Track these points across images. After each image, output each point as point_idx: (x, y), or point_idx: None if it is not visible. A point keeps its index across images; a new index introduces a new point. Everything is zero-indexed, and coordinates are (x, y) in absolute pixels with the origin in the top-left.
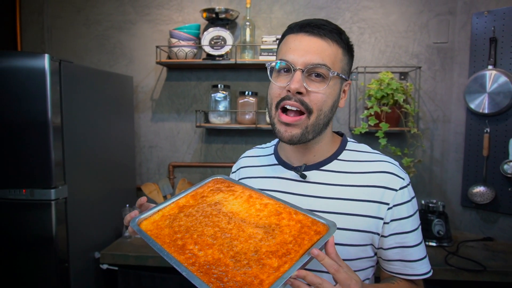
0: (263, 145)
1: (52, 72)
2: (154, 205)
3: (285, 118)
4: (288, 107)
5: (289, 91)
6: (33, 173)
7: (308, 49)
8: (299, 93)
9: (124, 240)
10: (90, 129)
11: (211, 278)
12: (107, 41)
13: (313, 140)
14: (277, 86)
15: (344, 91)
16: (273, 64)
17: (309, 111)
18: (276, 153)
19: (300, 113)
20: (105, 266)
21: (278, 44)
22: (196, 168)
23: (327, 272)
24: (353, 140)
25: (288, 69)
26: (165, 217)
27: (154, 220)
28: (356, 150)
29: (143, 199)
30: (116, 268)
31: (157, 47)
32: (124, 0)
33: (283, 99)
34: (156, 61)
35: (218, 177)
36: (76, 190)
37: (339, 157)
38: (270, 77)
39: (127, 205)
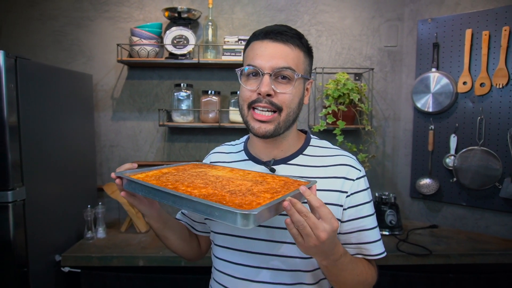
0: (232, 142)
1: (8, 69)
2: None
3: (259, 116)
4: (260, 108)
5: (259, 94)
6: None
7: (274, 55)
8: (269, 95)
9: (86, 242)
10: (49, 129)
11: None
12: (64, 38)
13: (282, 136)
14: (247, 89)
15: (307, 89)
16: (242, 69)
17: (280, 109)
18: (246, 149)
19: (272, 111)
20: (66, 269)
21: (244, 50)
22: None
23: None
24: (316, 137)
25: (256, 73)
26: (149, 176)
27: (138, 177)
28: (318, 146)
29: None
30: (79, 270)
31: (118, 45)
32: None
33: (254, 101)
34: (117, 59)
35: (197, 163)
36: (35, 192)
37: (304, 152)
38: (240, 81)
39: (89, 206)
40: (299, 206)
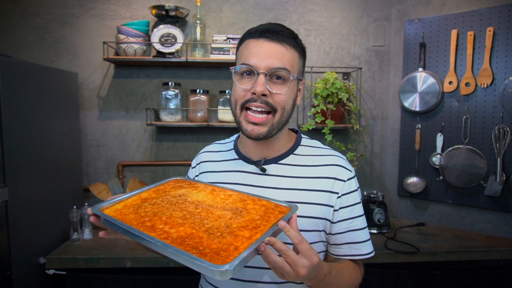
0: (222, 141)
1: None
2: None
3: (253, 118)
4: (253, 108)
5: (254, 93)
6: None
7: (269, 54)
8: (264, 95)
9: (72, 243)
10: (32, 128)
11: (187, 248)
12: (48, 35)
13: (274, 137)
14: (241, 88)
15: (299, 90)
16: (237, 67)
17: (274, 110)
18: (236, 148)
19: (266, 112)
20: (51, 272)
21: (238, 48)
22: (147, 167)
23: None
24: (307, 137)
25: (251, 72)
26: (128, 206)
27: (116, 209)
28: (309, 145)
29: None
30: (64, 272)
31: (104, 43)
32: None
33: (247, 101)
34: (103, 57)
35: (179, 178)
36: (18, 193)
37: (294, 152)
38: (235, 80)
39: (74, 207)
40: (278, 245)
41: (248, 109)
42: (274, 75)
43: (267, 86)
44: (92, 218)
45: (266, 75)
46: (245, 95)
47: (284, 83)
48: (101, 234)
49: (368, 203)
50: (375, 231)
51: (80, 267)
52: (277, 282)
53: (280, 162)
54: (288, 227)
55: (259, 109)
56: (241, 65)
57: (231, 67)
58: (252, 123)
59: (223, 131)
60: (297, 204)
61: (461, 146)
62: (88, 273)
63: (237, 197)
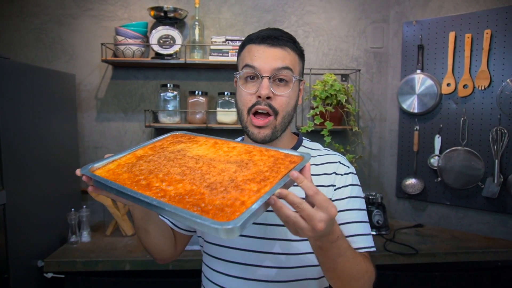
0: None
1: None
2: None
3: (257, 122)
4: (259, 111)
5: (259, 97)
6: None
7: (272, 57)
8: (268, 97)
9: (70, 246)
10: (30, 130)
11: (186, 205)
12: (45, 36)
13: (277, 138)
14: (247, 92)
15: (300, 90)
16: (242, 73)
17: (276, 113)
18: None
19: (267, 115)
20: (50, 275)
21: (239, 52)
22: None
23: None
24: (308, 139)
25: (254, 77)
26: (121, 165)
27: (109, 169)
28: (310, 148)
29: None
30: (63, 276)
31: (102, 44)
32: None
33: (254, 104)
34: (101, 58)
35: (177, 133)
36: (16, 196)
37: None
38: (240, 85)
39: (72, 209)
40: (291, 197)
41: (254, 113)
42: (277, 78)
43: (271, 89)
44: (85, 178)
45: (269, 78)
46: (251, 100)
47: (287, 85)
48: (89, 189)
49: (367, 205)
50: (374, 233)
51: (79, 270)
52: (278, 266)
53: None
54: (302, 178)
55: (264, 112)
56: (244, 66)
57: (235, 73)
58: (257, 127)
59: (222, 133)
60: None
61: (459, 147)
62: (86, 276)
63: (242, 148)
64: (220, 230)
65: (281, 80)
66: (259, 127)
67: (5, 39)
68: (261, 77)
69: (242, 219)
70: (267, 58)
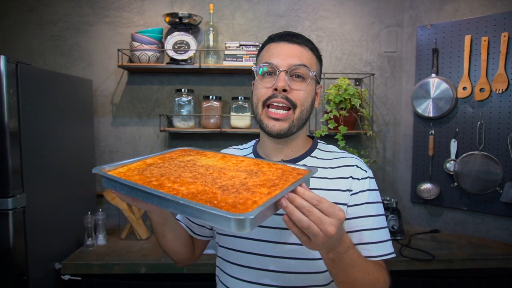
0: (240, 146)
1: (9, 75)
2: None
3: (274, 114)
4: (275, 103)
5: (275, 89)
6: None
7: (290, 54)
8: (284, 90)
9: (86, 249)
10: (49, 134)
11: (199, 202)
12: (63, 43)
13: (293, 136)
14: (263, 86)
15: (317, 93)
16: (258, 68)
17: (294, 106)
18: (255, 153)
19: (287, 108)
20: (67, 277)
21: (259, 53)
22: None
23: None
24: (323, 142)
25: (271, 72)
26: (132, 169)
27: (119, 172)
28: (326, 150)
29: None
30: (79, 278)
31: (118, 50)
32: (81, 1)
33: (269, 97)
34: (118, 64)
35: (186, 148)
36: (35, 199)
37: (311, 154)
38: (257, 80)
39: (89, 213)
40: (299, 201)
41: (269, 106)
42: (294, 74)
43: (288, 83)
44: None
45: (287, 72)
46: (266, 93)
47: (304, 80)
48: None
49: None
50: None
51: (95, 273)
52: (281, 271)
53: (298, 163)
54: (302, 191)
55: (280, 105)
56: (263, 63)
57: (253, 67)
58: (273, 119)
59: (236, 137)
60: None
61: (475, 152)
62: (102, 278)
63: (250, 161)
64: (231, 220)
65: (298, 76)
66: (276, 119)
67: (24, 46)
68: (278, 71)
69: (255, 213)
70: (285, 54)
